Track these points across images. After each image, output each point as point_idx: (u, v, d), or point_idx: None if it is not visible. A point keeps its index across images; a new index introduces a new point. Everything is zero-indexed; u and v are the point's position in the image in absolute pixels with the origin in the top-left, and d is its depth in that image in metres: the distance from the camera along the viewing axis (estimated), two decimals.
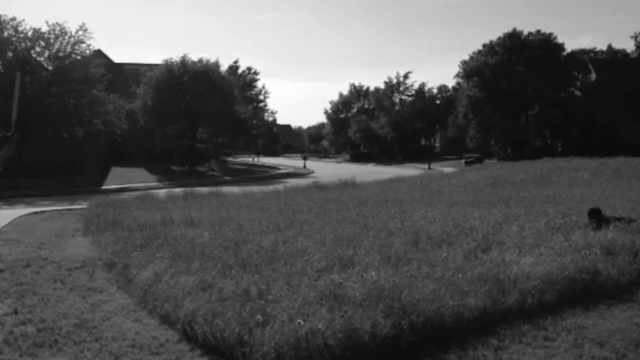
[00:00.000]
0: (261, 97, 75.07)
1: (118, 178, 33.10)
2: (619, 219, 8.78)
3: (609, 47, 74.42)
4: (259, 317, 4.85)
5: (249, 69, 72.78)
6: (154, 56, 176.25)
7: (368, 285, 5.51)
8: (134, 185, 30.19)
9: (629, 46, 77.16)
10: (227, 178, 38.87)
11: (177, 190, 19.81)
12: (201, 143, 48.85)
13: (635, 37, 79.98)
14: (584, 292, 6.04)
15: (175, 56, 47.19)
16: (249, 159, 77.24)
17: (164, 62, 45.87)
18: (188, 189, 19.13)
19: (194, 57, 48.81)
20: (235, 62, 70.70)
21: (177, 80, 43.90)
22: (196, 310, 5.22)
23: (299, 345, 4.46)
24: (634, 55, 64.51)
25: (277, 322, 4.65)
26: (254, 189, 20.27)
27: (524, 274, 6.14)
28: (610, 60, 61.89)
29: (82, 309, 6.13)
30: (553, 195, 15.38)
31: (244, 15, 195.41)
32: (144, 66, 50.70)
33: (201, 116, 44.17)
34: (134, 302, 6.37)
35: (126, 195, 19.53)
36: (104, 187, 29.43)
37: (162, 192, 19.08)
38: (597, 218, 8.81)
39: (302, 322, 4.63)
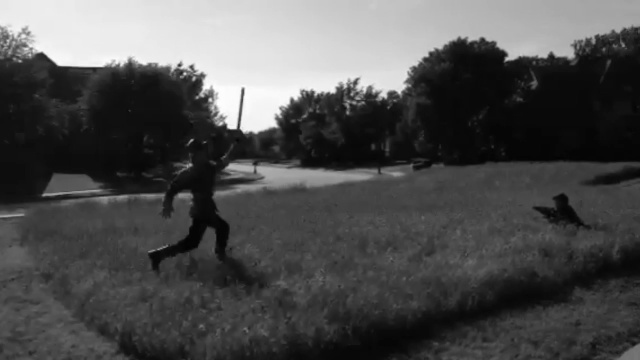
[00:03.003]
0: (210, 100, 74.07)
1: (60, 185, 32.02)
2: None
3: (551, 54, 77.34)
4: (201, 326, 4.77)
5: (191, 67, 71.56)
6: (99, 60, 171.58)
7: (314, 291, 5.51)
8: (77, 192, 29.30)
9: (570, 54, 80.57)
10: None
11: (122, 197, 19.28)
12: (148, 148, 47.87)
13: (576, 45, 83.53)
14: (522, 293, 6.21)
15: (121, 60, 46.06)
16: None
17: (108, 66, 44.75)
18: (133, 196, 18.66)
19: (141, 61, 47.76)
20: (179, 64, 69.54)
21: (123, 84, 42.90)
22: (136, 320, 5.08)
23: (242, 354, 4.41)
24: (574, 63, 67.28)
25: (220, 331, 4.59)
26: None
27: (466, 276, 6.27)
28: (552, 68, 64.32)
29: (16, 322, 5.87)
30: (496, 199, 15.80)
31: (190, 20, 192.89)
32: (89, 70, 49.37)
33: (148, 121, 43.26)
34: (72, 314, 6.14)
35: (67, 202, 18.86)
36: (44, 194, 28.42)
37: (105, 199, 18.57)
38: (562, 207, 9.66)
39: (246, 330, 4.59)
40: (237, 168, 71.87)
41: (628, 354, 4.79)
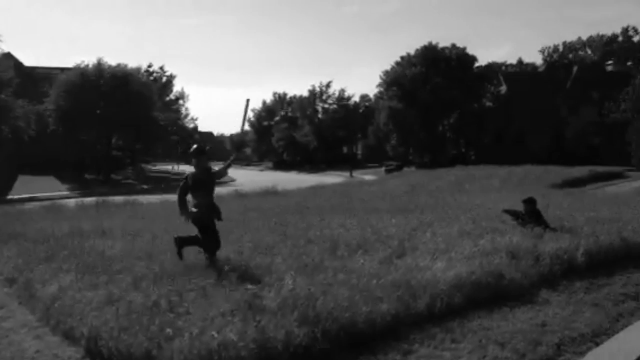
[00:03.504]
0: (181, 102, 73.38)
1: (25, 187, 31.33)
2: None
3: (519, 60, 78.86)
4: (169, 330, 4.71)
5: (161, 68, 70.84)
6: (69, 60, 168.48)
7: (284, 294, 5.49)
8: (43, 194, 28.72)
9: (538, 59, 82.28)
10: (145, 187, 37.77)
11: (90, 199, 18.97)
12: (118, 150, 47.17)
13: (543, 51, 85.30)
14: (490, 295, 6.29)
15: (90, 60, 45.35)
16: (169, 167, 75.32)
17: (77, 66, 43.99)
18: (101, 198, 18.38)
19: (111, 61, 47.08)
20: (150, 65, 68.76)
21: (92, 85, 42.22)
22: (102, 325, 4.99)
23: (210, 358, 4.36)
24: (542, 69, 68.63)
25: (188, 335, 4.53)
26: (172, 197, 19.70)
27: (435, 278, 6.31)
28: (520, 73, 65.54)
29: None
30: (466, 202, 16.01)
31: (163, 21, 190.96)
32: (57, 70, 48.47)
33: (118, 122, 42.64)
34: (36, 319, 5.99)
35: (33, 205, 18.48)
36: (9, 196, 27.75)
37: (72, 202, 18.22)
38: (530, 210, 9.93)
39: (215, 334, 4.54)
40: None
41: (592, 354, 4.89)
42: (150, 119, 45.63)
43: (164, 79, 70.61)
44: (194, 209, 7.24)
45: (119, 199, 19.01)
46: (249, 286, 5.80)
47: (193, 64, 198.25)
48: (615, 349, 5.00)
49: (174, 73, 75.82)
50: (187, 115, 76.63)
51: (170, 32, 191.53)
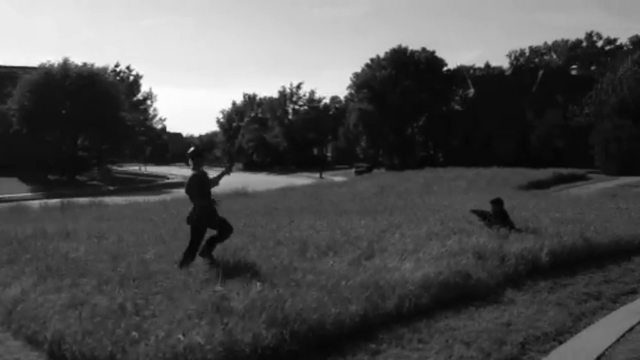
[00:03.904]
0: (148, 102, 72.44)
1: None
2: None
3: (487, 64, 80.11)
4: (134, 333, 4.62)
5: (128, 68, 69.84)
6: (34, 59, 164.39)
7: (252, 295, 5.45)
8: (5, 196, 27.97)
9: (505, 63, 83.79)
10: (111, 188, 37.16)
11: (54, 201, 18.56)
12: (83, 151, 46.29)
13: (510, 56, 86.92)
14: (457, 295, 6.37)
15: (55, 59, 44.41)
16: (136, 168, 74.26)
17: (42, 65, 43.05)
18: (66, 200, 18.00)
19: (77, 61, 46.18)
20: (117, 65, 67.71)
21: (57, 84, 41.35)
22: (65, 328, 4.88)
23: None
24: (509, 72, 69.87)
25: (154, 338, 4.46)
26: (140, 199, 19.48)
27: (403, 279, 6.36)
28: (488, 77, 66.57)
29: None
30: (434, 203, 16.18)
31: (129, 21, 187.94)
32: (20, 69, 47.32)
33: (84, 122, 41.85)
34: None
35: None
36: None
37: (36, 203, 17.80)
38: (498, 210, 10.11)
39: (181, 337, 4.48)
40: (177, 172, 70.55)
41: (556, 353, 4.98)
42: (117, 119, 44.93)
43: (131, 78, 69.58)
44: (190, 210, 7.30)
45: (84, 200, 18.65)
46: (217, 288, 5.74)
47: (154, 65, 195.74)
48: (578, 348, 5.11)
49: (140, 72, 74.25)
50: (155, 115, 75.68)
51: (130, 33, 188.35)
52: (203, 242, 7.22)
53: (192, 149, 7.53)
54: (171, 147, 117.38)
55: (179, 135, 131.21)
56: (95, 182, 42.54)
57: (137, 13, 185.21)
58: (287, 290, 5.67)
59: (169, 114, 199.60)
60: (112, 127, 43.78)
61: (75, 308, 5.38)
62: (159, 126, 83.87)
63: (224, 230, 7.32)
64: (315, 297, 5.52)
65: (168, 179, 54.47)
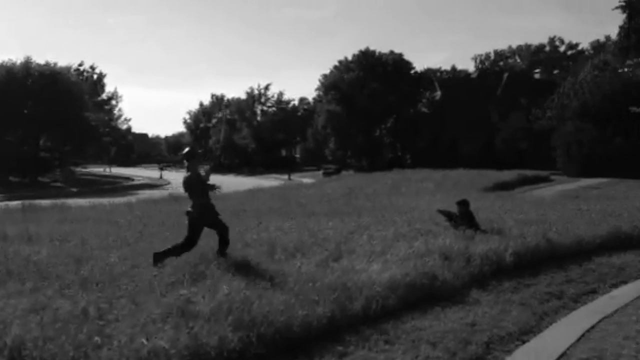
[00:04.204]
0: (113, 102, 71.21)
1: None
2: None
3: (453, 67, 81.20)
4: (97, 338, 4.52)
5: (92, 67, 68.56)
6: None
7: (218, 298, 5.40)
8: None
9: (470, 66, 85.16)
10: (74, 190, 36.40)
11: (15, 203, 18.07)
12: (46, 151, 45.23)
13: (476, 59, 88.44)
14: (424, 296, 6.43)
15: (17, 58, 43.30)
16: (100, 170, 72.91)
17: (3, 63, 41.96)
18: (27, 202, 17.54)
19: (38, 60, 45.07)
20: (80, 64, 66.37)
21: (18, 83, 40.33)
22: (26, 333, 4.74)
23: None
24: (474, 75, 71.00)
25: (117, 343, 4.38)
26: (104, 201, 19.12)
27: (371, 280, 6.39)
28: (454, 80, 67.48)
29: None
30: (402, 204, 16.32)
31: (93, 19, 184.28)
32: None
33: (46, 122, 40.90)
34: None
35: None
36: None
37: None
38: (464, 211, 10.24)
39: (145, 342, 4.41)
40: (142, 173, 69.59)
41: (519, 352, 5.07)
42: (81, 119, 44.07)
43: (95, 77, 68.32)
44: (189, 209, 7.52)
45: (46, 202, 18.18)
46: (182, 291, 5.67)
47: (120, 65, 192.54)
48: (541, 347, 5.21)
49: (104, 72, 72.41)
50: (120, 116, 74.42)
51: (95, 33, 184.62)
52: (206, 243, 7.64)
53: (186, 150, 7.84)
54: (137, 148, 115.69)
55: (144, 135, 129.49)
56: (58, 184, 41.60)
57: (103, 11, 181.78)
58: (254, 292, 5.64)
59: (135, 115, 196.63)
60: (75, 127, 42.90)
61: (36, 313, 5.24)
62: (124, 126, 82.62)
63: (222, 228, 7.58)
64: (283, 300, 5.50)
65: (133, 180, 53.68)
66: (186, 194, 7.80)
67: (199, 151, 8.91)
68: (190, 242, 7.44)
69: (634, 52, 19.06)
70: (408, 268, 6.94)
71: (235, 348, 4.58)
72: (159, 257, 7.20)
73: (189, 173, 7.56)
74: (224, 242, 7.59)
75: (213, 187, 7.81)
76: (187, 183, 7.58)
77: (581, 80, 39.96)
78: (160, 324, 4.77)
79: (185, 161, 7.66)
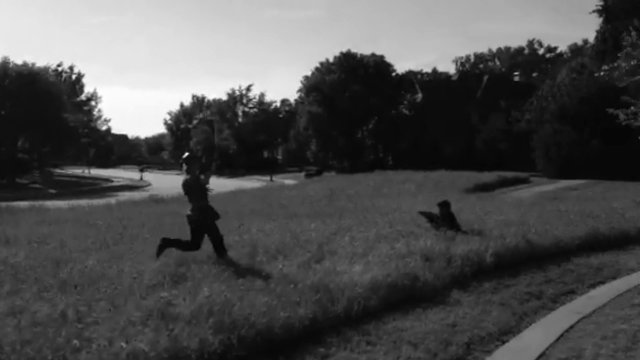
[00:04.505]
0: (92, 103, 70.35)
1: None
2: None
3: (434, 69, 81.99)
4: (75, 342, 4.46)
5: (71, 68, 67.71)
6: None
7: (199, 300, 5.37)
8: None
9: (451, 69, 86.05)
10: (53, 191, 35.92)
11: None
12: (24, 153, 44.58)
13: (456, 62, 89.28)
14: (405, 297, 6.46)
15: None
16: (79, 171, 72.02)
17: None
18: (4, 204, 17.28)
19: (16, 60, 44.38)
20: (59, 64, 65.51)
21: None
22: (3, 337, 4.65)
23: None
24: (455, 78, 71.61)
25: (96, 346, 4.32)
26: (83, 202, 18.90)
27: (353, 282, 6.40)
28: (435, 82, 68.01)
29: None
30: (383, 206, 16.37)
31: (73, 19, 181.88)
32: None
33: (24, 123, 40.30)
34: None
35: None
36: None
37: None
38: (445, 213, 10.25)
39: (124, 345, 4.36)
40: (122, 174, 68.91)
41: (499, 353, 5.11)
42: (60, 120, 43.54)
43: (74, 77, 67.47)
44: (189, 212, 7.67)
45: (24, 204, 17.92)
46: (162, 294, 5.62)
47: (100, 65, 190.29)
48: (521, 347, 5.26)
49: (83, 72, 71.07)
50: (99, 117, 73.56)
51: (76, 29, 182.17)
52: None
53: (186, 154, 8.02)
54: (116, 149, 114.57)
55: (124, 137, 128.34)
56: (36, 185, 41.01)
57: (84, 11, 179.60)
58: (235, 294, 5.61)
59: (119, 115, 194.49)
60: (53, 128, 42.37)
61: (14, 316, 5.15)
62: (104, 127, 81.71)
63: (215, 234, 7.63)
64: (264, 301, 5.48)
65: (113, 182, 53.14)
66: (185, 197, 7.89)
67: (199, 155, 9.20)
68: (194, 246, 7.62)
69: (610, 56, 19.45)
70: (389, 269, 6.96)
71: (216, 350, 4.55)
72: (165, 244, 7.56)
73: (188, 176, 7.66)
74: (216, 248, 7.63)
75: (207, 178, 7.98)
76: (186, 186, 7.68)
77: (559, 83, 40.52)
78: (140, 327, 4.73)
79: (184, 164, 7.75)
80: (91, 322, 4.89)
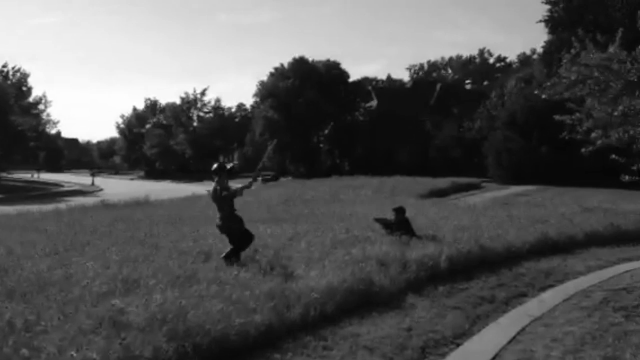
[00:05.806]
0: (41, 106, 68.00)
1: None
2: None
3: (389, 76, 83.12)
4: (24, 351, 4.30)
5: (18, 70, 65.32)
6: None
7: (152, 308, 5.25)
8: None
9: (405, 76, 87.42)
10: (0, 196, 34.55)
11: None
12: None
13: (410, 69, 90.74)
14: (361, 302, 6.50)
15: None
16: (28, 175, 69.64)
17: None
18: None
19: None
20: (4, 65, 63.17)
21: None
22: None
23: None
24: (409, 85, 72.73)
25: (45, 356, 4.18)
26: (32, 208, 18.26)
27: (309, 287, 6.39)
28: (390, 89, 68.87)
29: None
30: (340, 211, 16.43)
31: (19, 19, 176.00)
32: None
33: None
34: None
35: None
36: None
37: None
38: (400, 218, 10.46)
39: (74, 354, 4.23)
40: (73, 179, 67.03)
41: (453, 356, 5.19)
42: (7, 124, 41.96)
43: (18, 75, 65.02)
44: (218, 222, 8.16)
45: None
46: (114, 301, 5.47)
47: (49, 67, 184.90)
48: (474, 350, 5.36)
49: (28, 72, 68.15)
50: (49, 120, 71.16)
51: (21, 30, 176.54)
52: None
53: (215, 165, 8.35)
54: (67, 154, 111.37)
55: (75, 141, 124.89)
56: None
57: (27, 11, 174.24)
58: (189, 301, 5.52)
59: (65, 119, 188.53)
60: (1, 132, 40.86)
61: None
62: (53, 131, 79.16)
63: (236, 239, 8.02)
64: (219, 308, 5.41)
65: (63, 186, 51.61)
66: (214, 205, 8.27)
67: (229, 166, 9.33)
68: (245, 242, 8.04)
69: (556, 67, 20.18)
70: (345, 274, 6.98)
71: (170, 358, 4.47)
72: (229, 256, 7.80)
73: (218, 186, 7.99)
74: (231, 250, 7.92)
75: (242, 190, 8.33)
76: (215, 194, 8.05)
77: (509, 92, 41.68)
78: (91, 335, 4.59)
79: (214, 175, 8.09)
80: (40, 330, 4.73)
